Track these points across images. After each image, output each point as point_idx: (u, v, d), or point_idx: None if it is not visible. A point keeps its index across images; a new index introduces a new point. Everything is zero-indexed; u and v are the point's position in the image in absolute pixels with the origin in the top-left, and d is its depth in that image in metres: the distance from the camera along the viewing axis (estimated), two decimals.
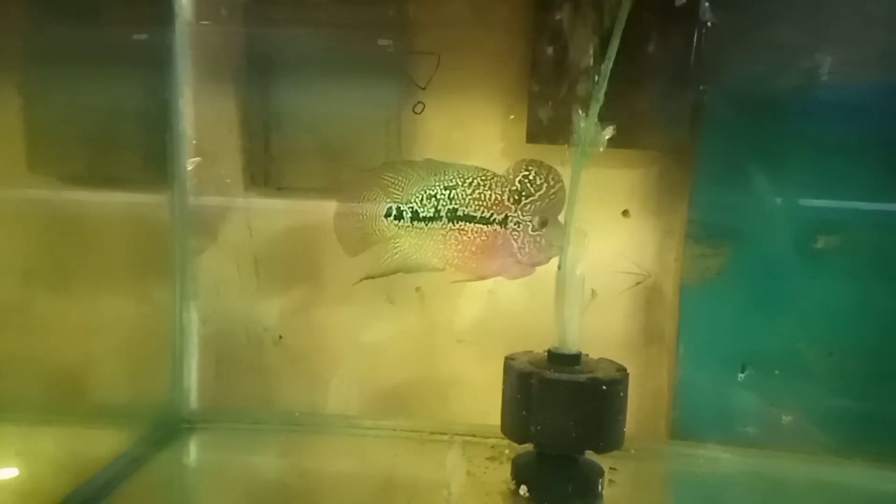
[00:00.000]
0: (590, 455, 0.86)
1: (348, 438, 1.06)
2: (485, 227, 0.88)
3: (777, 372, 1.04)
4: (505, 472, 0.91)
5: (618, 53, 0.84)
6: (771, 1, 0.99)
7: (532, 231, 0.87)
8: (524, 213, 0.87)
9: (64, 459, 0.84)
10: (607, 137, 0.86)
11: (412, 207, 0.90)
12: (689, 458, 1.03)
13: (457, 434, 1.05)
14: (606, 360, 0.89)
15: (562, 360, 0.85)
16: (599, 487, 0.86)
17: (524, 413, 0.82)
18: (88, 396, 0.93)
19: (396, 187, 0.91)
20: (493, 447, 0.99)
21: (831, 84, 0.98)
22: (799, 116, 1.00)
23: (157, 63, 1.02)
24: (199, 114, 1.10)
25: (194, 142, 1.10)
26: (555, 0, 1.03)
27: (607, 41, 0.85)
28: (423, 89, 1.10)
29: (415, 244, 0.90)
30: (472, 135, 1.11)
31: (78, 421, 0.90)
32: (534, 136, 1.07)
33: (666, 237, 1.11)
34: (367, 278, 0.93)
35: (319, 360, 1.15)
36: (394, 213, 0.90)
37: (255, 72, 1.10)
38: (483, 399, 0.94)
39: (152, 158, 1.04)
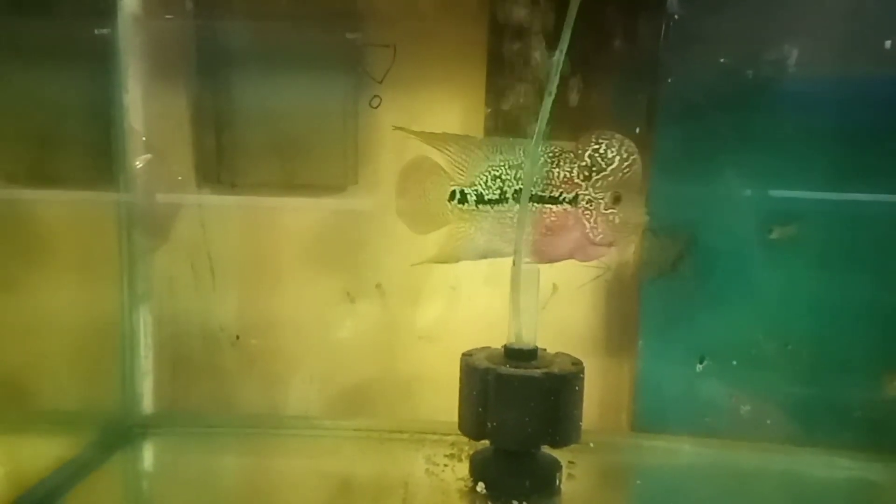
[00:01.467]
0: (549, 450, 0.86)
1: (307, 439, 1.04)
2: (554, 206, 0.82)
3: (735, 363, 1.05)
4: (464, 469, 0.90)
5: (576, 47, 0.84)
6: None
7: (604, 209, 0.81)
8: (595, 190, 0.81)
9: (4, 468, 0.81)
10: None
11: (476, 190, 0.84)
12: (648, 449, 1.03)
13: (417, 432, 1.03)
14: (563, 354, 0.88)
15: (518, 355, 0.85)
16: (557, 482, 0.86)
17: (480, 410, 0.81)
18: (32, 401, 0.90)
19: (459, 167, 0.84)
20: (452, 444, 0.98)
21: (786, 76, 0.99)
22: (755, 108, 1.00)
23: (102, 58, 0.99)
24: (150, 110, 1.07)
25: (144, 138, 1.07)
26: None
27: (560, 34, 0.84)
28: (380, 83, 1.09)
29: (481, 229, 0.84)
30: (430, 128, 1.09)
31: (20, 427, 0.87)
32: (491, 129, 1.06)
33: None
34: (429, 262, 0.87)
35: (278, 360, 1.13)
36: (458, 196, 0.84)
37: (207, 66, 1.07)
38: (445, 396, 0.92)
39: (97, 156, 1.01)
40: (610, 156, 0.81)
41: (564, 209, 0.82)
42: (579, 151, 0.82)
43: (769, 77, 1.00)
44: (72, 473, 0.86)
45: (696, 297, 1.06)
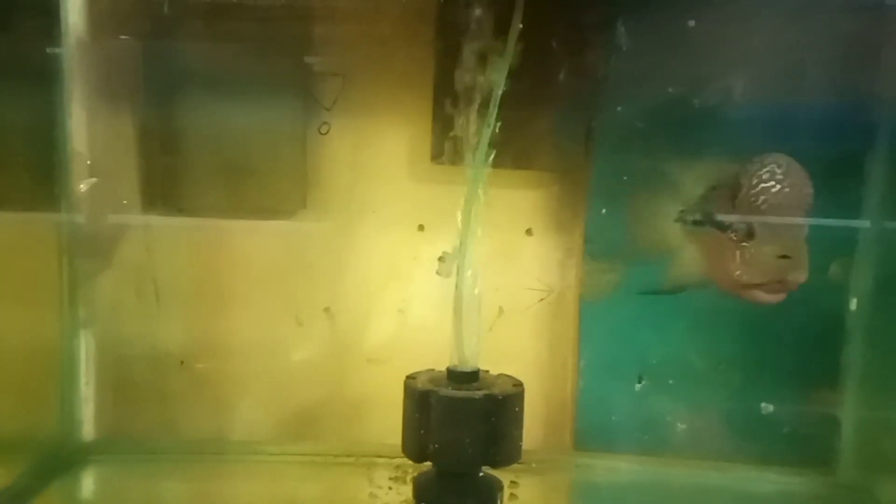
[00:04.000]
0: (491, 470, 0.87)
1: (252, 465, 1.04)
2: (719, 232, 0.74)
3: (671, 382, 1.09)
4: (408, 491, 0.91)
5: (519, 76, 0.87)
6: (676, 27, 1.04)
7: (739, 241, 0.71)
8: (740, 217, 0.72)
9: None
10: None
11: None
12: (587, 468, 1.06)
13: (364, 455, 1.04)
14: (505, 376, 0.90)
15: (460, 377, 0.86)
16: (499, 502, 0.88)
17: (422, 432, 0.83)
18: None
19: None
20: (398, 467, 0.99)
21: (725, 104, 1.03)
22: (690, 140, 1.05)
23: (45, 79, 0.98)
24: (95, 132, 1.06)
25: (89, 161, 1.06)
26: (457, 24, 1.05)
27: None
28: (329, 110, 1.11)
29: (700, 253, 0.76)
30: (378, 155, 1.12)
31: None
32: (437, 156, 1.09)
33: (567, 255, 1.14)
34: (656, 293, 0.80)
35: (225, 385, 1.12)
36: (690, 217, 0.76)
37: (155, 89, 1.07)
38: (393, 419, 0.93)
39: (38, 178, 0.99)
40: (764, 179, 0.71)
41: (718, 236, 0.74)
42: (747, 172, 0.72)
43: (708, 105, 1.03)
44: (5, 502, 0.84)
45: (633, 319, 1.10)
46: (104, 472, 1.01)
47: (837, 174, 1.00)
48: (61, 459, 0.99)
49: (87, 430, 1.07)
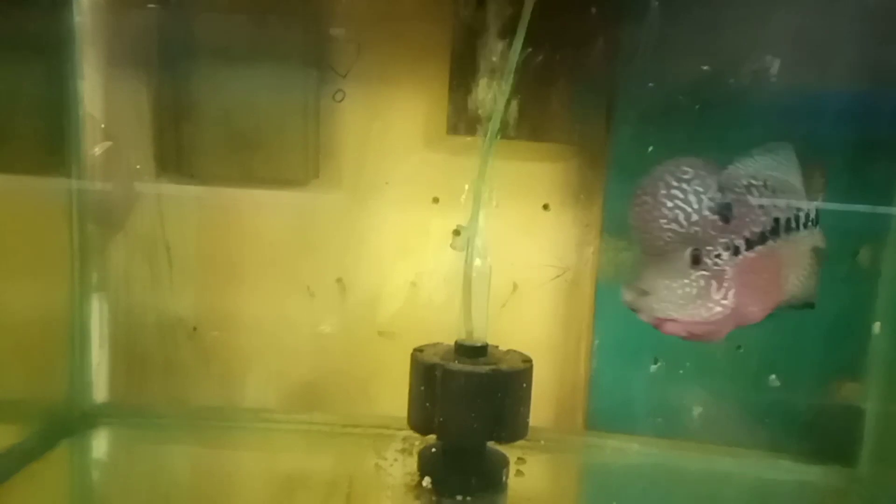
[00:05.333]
0: (498, 446, 0.86)
1: (258, 433, 1.04)
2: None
3: (687, 364, 1.06)
4: (413, 464, 0.90)
5: (535, 48, 0.84)
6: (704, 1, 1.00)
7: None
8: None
9: None
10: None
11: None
12: (598, 448, 1.04)
13: (371, 427, 1.03)
14: (514, 351, 0.89)
15: (468, 351, 0.85)
16: (504, 478, 0.87)
17: (428, 405, 0.82)
18: None
19: None
20: (404, 440, 0.98)
21: (749, 84, 0.99)
22: (713, 117, 1.01)
23: (56, 45, 0.98)
24: (109, 98, 1.06)
25: (103, 125, 1.06)
26: None
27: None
28: (343, 77, 1.09)
29: None
30: (393, 124, 1.10)
31: None
32: (453, 127, 1.07)
33: (584, 231, 1.11)
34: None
35: (235, 353, 1.12)
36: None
37: (169, 55, 1.06)
38: (402, 391, 0.92)
39: (50, 143, 0.99)
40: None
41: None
42: None
43: (731, 83, 1.00)
44: (12, 461, 0.85)
45: None
46: (112, 435, 1.02)
47: (867, 160, 0.96)
48: (70, 422, 1.00)
49: (98, 393, 1.08)
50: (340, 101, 1.09)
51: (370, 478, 0.88)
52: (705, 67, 1.00)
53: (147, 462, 0.95)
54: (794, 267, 0.71)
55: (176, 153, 1.08)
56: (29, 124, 0.95)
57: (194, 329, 1.12)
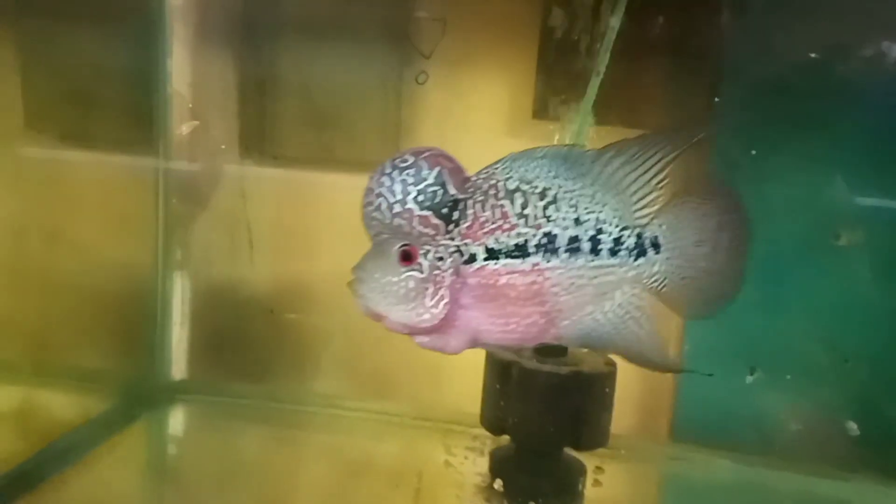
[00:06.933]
0: (575, 453, 0.81)
1: (330, 418, 1.03)
2: None
3: (789, 377, 0.97)
4: (483, 463, 0.86)
5: (632, 27, 0.78)
6: None
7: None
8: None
9: (30, 421, 0.82)
10: None
11: None
12: (683, 461, 0.97)
13: (441, 421, 1.00)
14: (596, 353, 0.83)
15: (547, 350, 0.80)
16: (580, 487, 0.81)
17: (501, 403, 0.78)
18: (59, 356, 0.91)
19: None
20: (475, 437, 0.94)
21: (859, 76, 0.91)
22: (823, 107, 0.92)
23: (149, 21, 0.99)
24: (196, 76, 1.07)
25: (190, 105, 1.07)
26: None
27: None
28: (428, 58, 1.05)
29: None
30: (476, 107, 1.05)
31: (46, 381, 0.88)
32: (540, 111, 1.01)
33: None
34: None
35: (310, 336, 1.12)
36: None
37: (254, 35, 1.06)
38: (473, 386, 0.89)
39: (138, 119, 1.01)
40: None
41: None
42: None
43: (845, 73, 0.91)
44: (96, 432, 0.88)
45: (748, 302, 0.97)
46: (189, 411, 1.04)
47: None
48: (150, 396, 1.02)
49: (177, 369, 1.10)
50: (423, 83, 1.06)
51: (440, 475, 0.85)
52: (814, 55, 0.91)
53: (224, 439, 0.95)
54: (586, 297, 0.57)
55: (259, 133, 1.08)
56: (120, 101, 0.97)
57: (271, 311, 1.12)
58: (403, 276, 0.55)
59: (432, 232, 0.56)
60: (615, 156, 0.57)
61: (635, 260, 0.58)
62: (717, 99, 0.95)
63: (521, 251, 0.56)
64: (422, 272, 0.55)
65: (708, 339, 1.00)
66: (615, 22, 0.75)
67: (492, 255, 0.56)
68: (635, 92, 0.97)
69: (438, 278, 0.55)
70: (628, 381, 0.94)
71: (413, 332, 0.58)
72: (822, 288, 0.95)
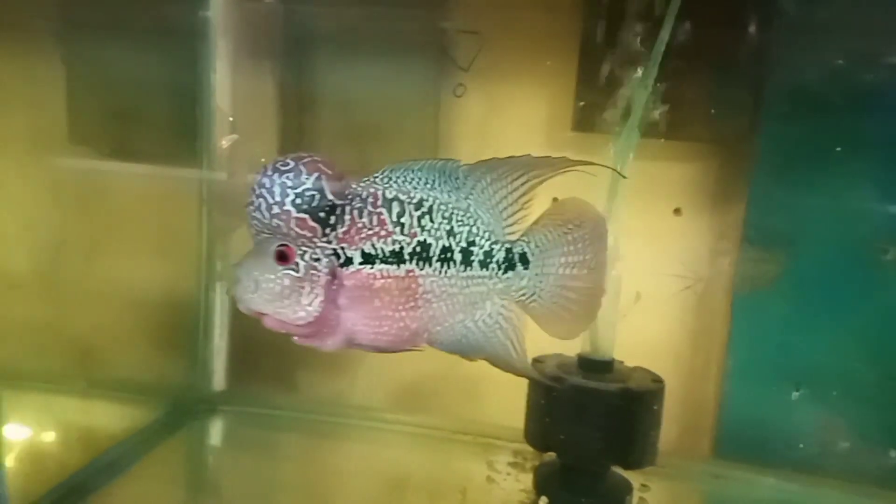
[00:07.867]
0: (620, 471, 0.80)
1: (368, 431, 1.03)
2: None
3: (835, 393, 0.95)
4: (527, 480, 0.86)
5: (676, 38, 0.77)
6: None
7: None
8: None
9: (78, 432, 0.83)
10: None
11: None
12: (728, 480, 0.95)
13: (480, 435, 1.00)
14: (643, 369, 0.82)
15: (592, 366, 0.79)
16: None
17: (547, 420, 0.77)
18: (105, 368, 0.92)
19: None
20: (516, 453, 0.94)
21: None
22: (873, 116, 0.90)
23: (193, 37, 1.00)
24: (237, 91, 1.08)
25: (231, 118, 1.08)
26: None
27: (661, 23, 0.78)
28: (465, 71, 1.05)
29: None
30: (515, 120, 1.05)
31: (93, 393, 0.90)
32: (580, 124, 1.01)
33: (720, 239, 1.02)
34: None
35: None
36: None
37: (294, 49, 1.07)
38: (512, 400, 0.88)
39: (182, 133, 1.02)
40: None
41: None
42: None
43: (889, 84, 0.89)
44: (141, 443, 0.89)
45: (794, 318, 0.96)
46: (230, 422, 1.05)
47: None
48: (193, 407, 1.03)
49: (218, 380, 1.11)
50: (461, 95, 1.06)
51: (483, 490, 0.85)
52: (863, 68, 0.89)
53: (264, 453, 0.96)
54: (457, 306, 0.60)
55: (298, 146, 1.09)
56: (166, 115, 0.98)
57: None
58: (280, 274, 0.57)
59: (309, 234, 0.58)
60: (485, 172, 0.61)
61: (504, 273, 0.61)
62: (761, 112, 0.94)
63: (396, 257, 0.59)
64: (298, 271, 0.58)
65: (753, 355, 0.98)
66: (665, 34, 0.74)
67: (368, 259, 0.59)
68: (678, 103, 0.96)
69: (314, 278, 0.58)
70: (671, 397, 0.93)
71: (290, 329, 0.60)
72: (869, 304, 0.93)
